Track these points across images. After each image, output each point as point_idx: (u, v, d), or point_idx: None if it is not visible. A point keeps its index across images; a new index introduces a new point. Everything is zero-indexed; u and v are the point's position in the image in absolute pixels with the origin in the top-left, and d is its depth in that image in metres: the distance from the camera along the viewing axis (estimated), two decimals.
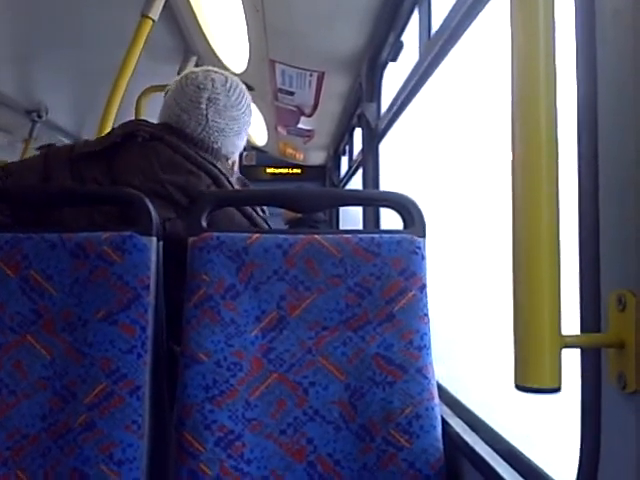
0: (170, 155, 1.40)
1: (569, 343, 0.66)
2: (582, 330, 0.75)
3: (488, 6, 1.40)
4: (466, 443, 1.15)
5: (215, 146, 1.48)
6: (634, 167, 0.65)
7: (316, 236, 1.24)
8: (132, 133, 1.41)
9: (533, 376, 0.63)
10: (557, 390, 0.63)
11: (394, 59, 2.55)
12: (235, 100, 1.51)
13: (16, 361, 1.21)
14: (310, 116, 4.04)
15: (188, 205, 1.36)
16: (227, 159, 1.55)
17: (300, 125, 4.46)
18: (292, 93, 3.61)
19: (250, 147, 6.46)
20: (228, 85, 1.50)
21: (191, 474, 1.13)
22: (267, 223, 1.46)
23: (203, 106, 1.46)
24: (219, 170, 1.43)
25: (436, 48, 1.72)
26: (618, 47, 0.68)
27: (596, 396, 0.73)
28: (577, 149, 0.76)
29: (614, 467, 0.71)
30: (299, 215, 3.58)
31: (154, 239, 1.24)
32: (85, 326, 1.21)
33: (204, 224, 1.25)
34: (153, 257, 1.23)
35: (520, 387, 0.64)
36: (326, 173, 6.56)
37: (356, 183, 4.35)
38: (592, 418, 0.74)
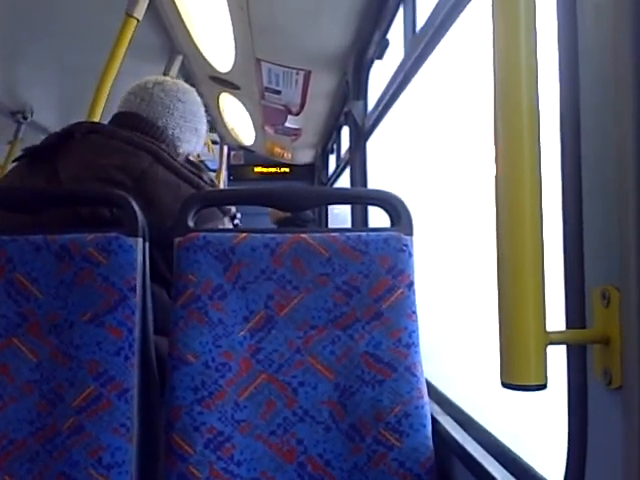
0: (106, 142, 1.45)
1: (554, 340, 0.66)
2: (567, 326, 0.76)
3: (472, 2, 1.40)
4: (456, 441, 1.15)
5: (159, 123, 1.53)
6: (617, 163, 0.65)
7: (303, 235, 1.23)
8: (70, 132, 1.47)
9: (519, 373, 0.63)
10: (543, 387, 0.63)
11: (380, 57, 2.55)
12: (183, 88, 1.60)
13: (2, 365, 1.20)
14: (297, 115, 4.02)
15: (134, 185, 1.40)
16: (175, 148, 1.59)
17: (287, 124, 4.44)
18: (279, 92, 3.59)
19: (238, 146, 6.44)
20: (178, 82, 1.63)
21: (181, 477, 1.12)
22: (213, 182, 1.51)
23: (150, 85, 1.57)
24: (158, 147, 1.47)
25: (421, 45, 1.72)
26: (599, 44, 0.68)
27: (582, 392, 0.73)
28: (560, 145, 0.76)
29: (601, 462, 0.71)
30: (287, 214, 3.57)
31: (140, 240, 1.23)
32: (71, 328, 1.20)
33: (191, 224, 1.25)
34: (139, 258, 1.22)
35: (506, 385, 0.64)
36: (315, 172, 6.55)
37: (344, 181, 4.34)
38: (578, 414, 0.74)
